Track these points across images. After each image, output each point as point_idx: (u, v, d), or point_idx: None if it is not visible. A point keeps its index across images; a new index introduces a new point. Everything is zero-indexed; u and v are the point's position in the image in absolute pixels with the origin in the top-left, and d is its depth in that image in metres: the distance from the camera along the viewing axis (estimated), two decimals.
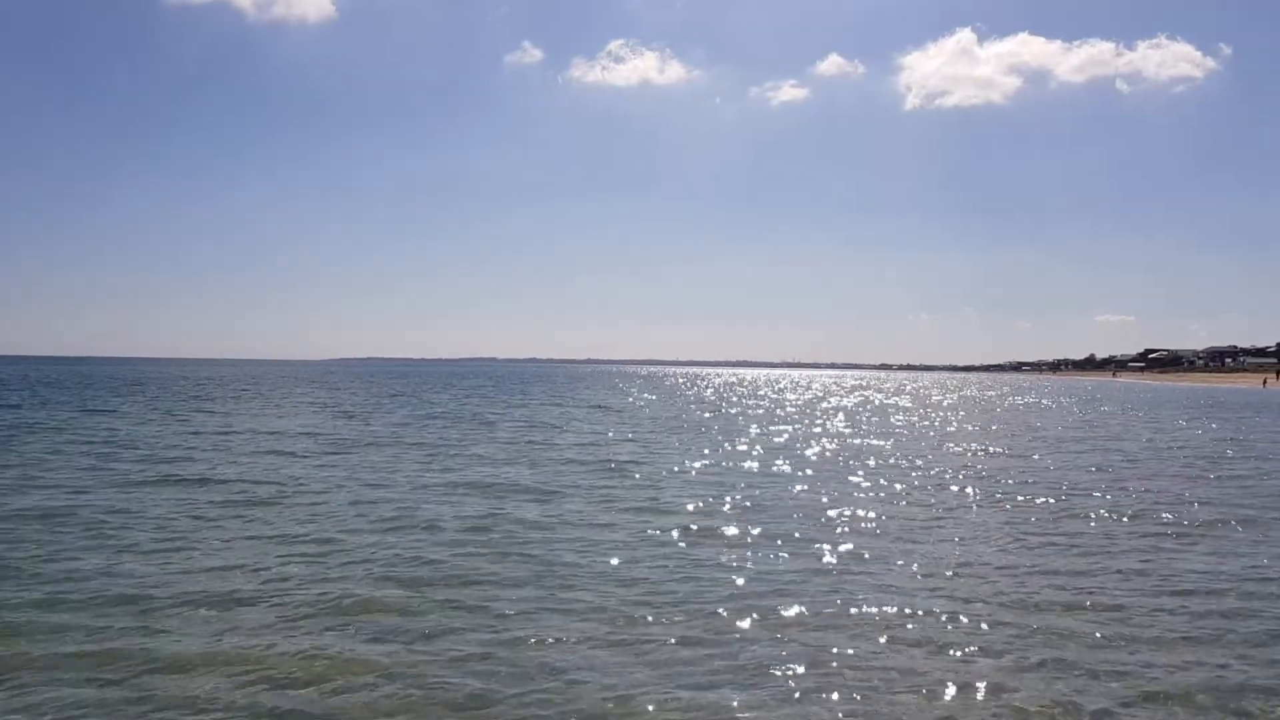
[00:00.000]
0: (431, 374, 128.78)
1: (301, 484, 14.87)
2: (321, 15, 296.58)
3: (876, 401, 56.22)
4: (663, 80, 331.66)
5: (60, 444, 20.96)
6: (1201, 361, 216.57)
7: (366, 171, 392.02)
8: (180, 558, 9.58)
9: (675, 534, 11.11)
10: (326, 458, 19.11)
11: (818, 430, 29.32)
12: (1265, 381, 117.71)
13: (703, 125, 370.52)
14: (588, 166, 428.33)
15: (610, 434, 26.11)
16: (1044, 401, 59.80)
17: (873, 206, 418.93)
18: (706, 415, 36.25)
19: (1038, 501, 14.12)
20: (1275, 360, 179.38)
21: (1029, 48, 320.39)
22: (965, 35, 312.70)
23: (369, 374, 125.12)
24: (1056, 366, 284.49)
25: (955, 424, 33.55)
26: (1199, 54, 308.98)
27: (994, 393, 79.78)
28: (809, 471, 17.68)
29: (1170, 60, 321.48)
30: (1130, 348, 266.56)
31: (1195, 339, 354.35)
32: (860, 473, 17.58)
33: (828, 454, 21.55)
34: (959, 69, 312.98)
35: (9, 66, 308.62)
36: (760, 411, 40.40)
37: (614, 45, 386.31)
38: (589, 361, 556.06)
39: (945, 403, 55.62)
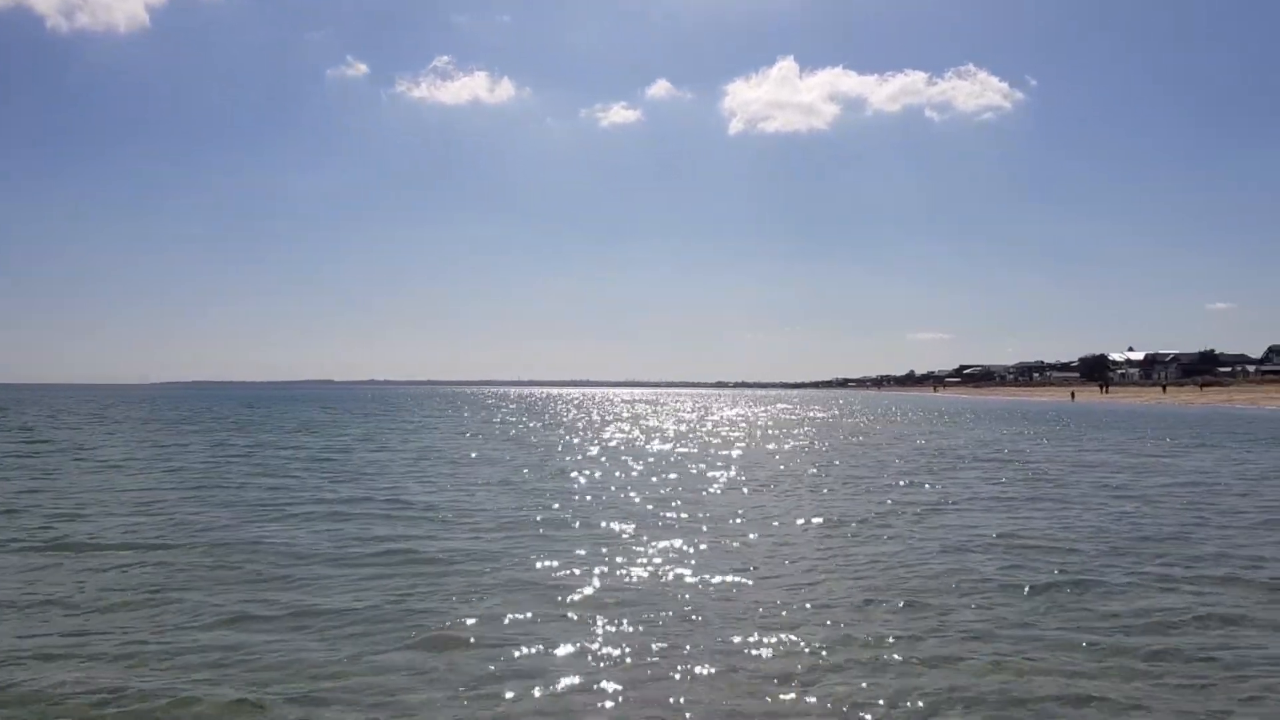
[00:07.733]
0: (286, 397, 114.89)
1: None
2: (133, 25, 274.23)
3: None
4: (493, 99, 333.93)
5: None
6: (1012, 376, 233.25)
7: (184, 191, 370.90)
8: None
9: None
10: None
11: None
12: (1073, 394, 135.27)
13: (535, 143, 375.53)
14: (418, 183, 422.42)
15: None
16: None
17: (702, 227, 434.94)
18: None
19: None
20: (1078, 375, 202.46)
21: (846, 80, 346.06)
22: (787, 64, 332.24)
23: (222, 397, 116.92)
24: (879, 382, 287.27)
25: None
26: (1005, 85, 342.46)
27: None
28: None
29: (978, 90, 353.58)
30: (946, 363, 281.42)
31: (1005, 355, 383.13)
32: None
33: None
34: (781, 95, 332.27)
35: None
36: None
37: (439, 61, 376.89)
38: (429, 382, 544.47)
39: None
